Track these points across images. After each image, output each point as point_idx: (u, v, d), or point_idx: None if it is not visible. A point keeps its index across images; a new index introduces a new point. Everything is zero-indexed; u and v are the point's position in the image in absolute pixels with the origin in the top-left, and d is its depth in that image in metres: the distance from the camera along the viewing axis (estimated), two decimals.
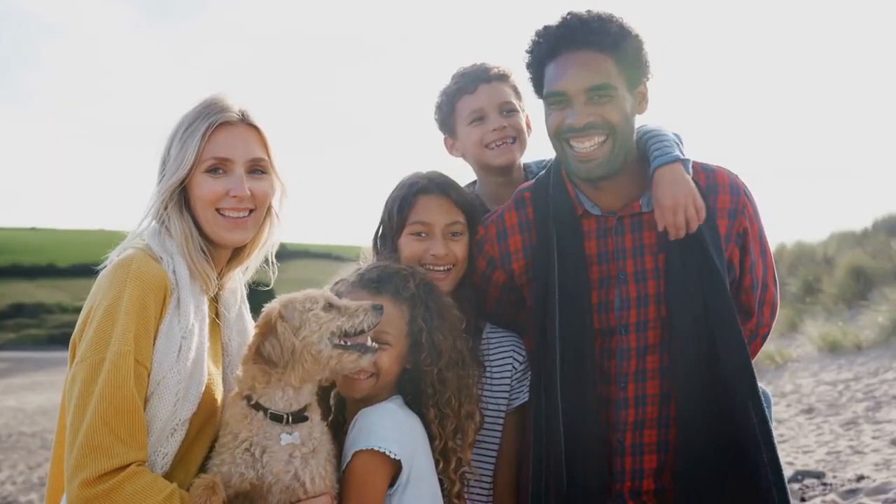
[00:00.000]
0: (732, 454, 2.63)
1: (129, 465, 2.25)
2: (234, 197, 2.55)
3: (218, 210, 2.57)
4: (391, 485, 2.56)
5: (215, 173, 2.55)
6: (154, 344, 2.38)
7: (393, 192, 3.04)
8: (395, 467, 2.55)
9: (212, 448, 2.54)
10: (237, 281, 2.79)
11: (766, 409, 2.76)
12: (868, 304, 13.52)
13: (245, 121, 2.60)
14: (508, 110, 3.30)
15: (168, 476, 2.37)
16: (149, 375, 2.37)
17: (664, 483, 2.76)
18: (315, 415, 2.57)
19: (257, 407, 2.49)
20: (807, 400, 10.27)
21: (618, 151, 2.70)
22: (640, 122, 2.86)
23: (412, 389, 2.76)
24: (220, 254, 2.66)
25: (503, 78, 3.32)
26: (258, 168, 2.62)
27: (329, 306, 2.55)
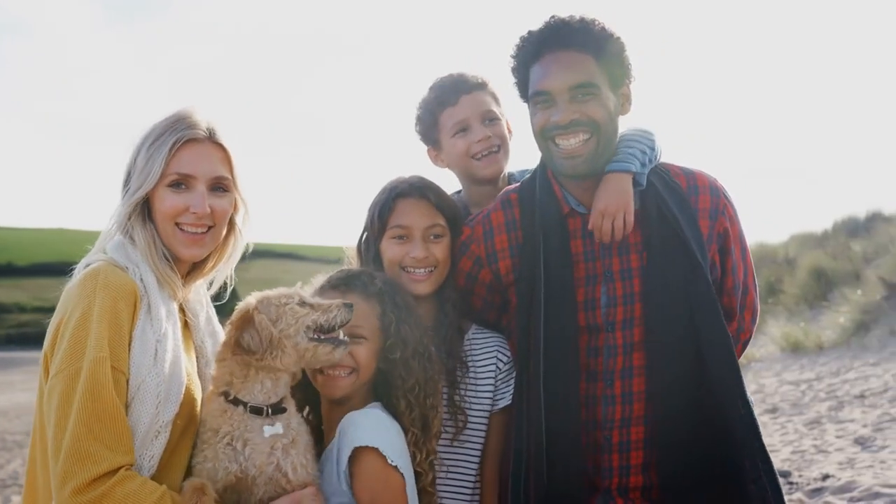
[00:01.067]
0: (718, 450, 2.66)
1: (118, 469, 2.27)
2: (194, 213, 2.59)
3: (178, 224, 2.60)
4: None
5: (177, 188, 2.59)
6: (129, 350, 2.40)
7: (375, 196, 3.09)
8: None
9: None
10: (202, 293, 2.83)
11: None
12: (829, 305, 13.74)
13: (212, 139, 2.64)
14: (491, 119, 3.32)
15: (156, 478, 2.40)
16: (127, 381, 2.38)
17: (651, 479, 2.78)
18: (291, 406, 2.62)
19: (236, 402, 2.53)
20: (771, 400, 10.39)
21: (602, 149, 2.76)
22: (624, 123, 2.90)
23: (385, 392, 2.79)
24: (180, 265, 2.68)
25: (482, 87, 3.34)
26: (220, 186, 2.65)
27: (303, 303, 2.61)
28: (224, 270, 2.82)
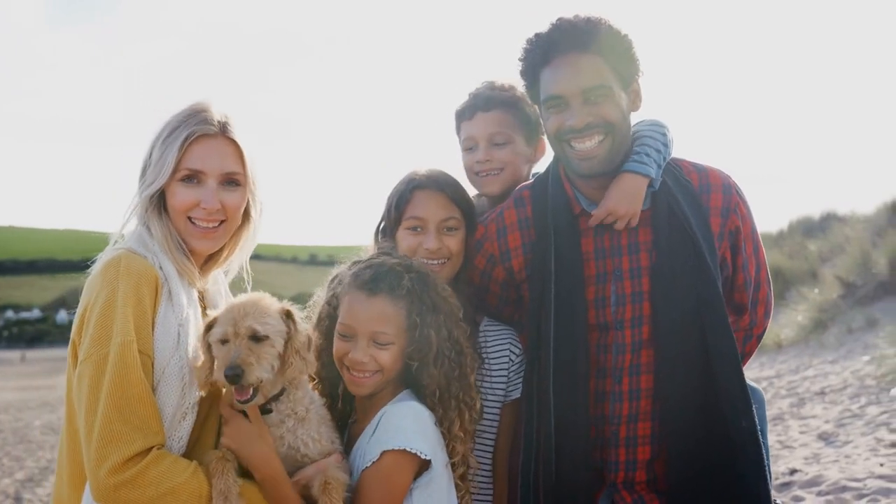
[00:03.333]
0: (721, 447, 2.71)
1: (150, 449, 2.34)
2: (204, 209, 2.62)
3: (189, 219, 2.64)
4: (413, 478, 2.63)
5: (189, 182, 2.62)
6: (153, 334, 2.45)
7: (394, 187, 3.13)
8: (421, 464, 2.62)
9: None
10: (220, 282, 2.87)
11: (757, 406, 2.86)
12: (787, 304, 13.98)
13: (224, 134, 2.65)
14: (498, 142, 3.30)
15: (186, 457, 2.47)
16: (152, 364, 2.43)
17: (657, 474, 2.83)
18: (302, 387, 2.69)
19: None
20: None
21: (617, 148, 2.80)
22: (635, 118, 2.93)
23: (414, 381, 2.81)
24: (196, 255, 2.71)
25: (504, 105, 3.30)
26: (232, 180, 2.67)
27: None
28: (237, 260, 2.85)
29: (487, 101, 3.33)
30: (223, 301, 2.82)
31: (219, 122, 2.64)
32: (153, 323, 2.45)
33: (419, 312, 2.74)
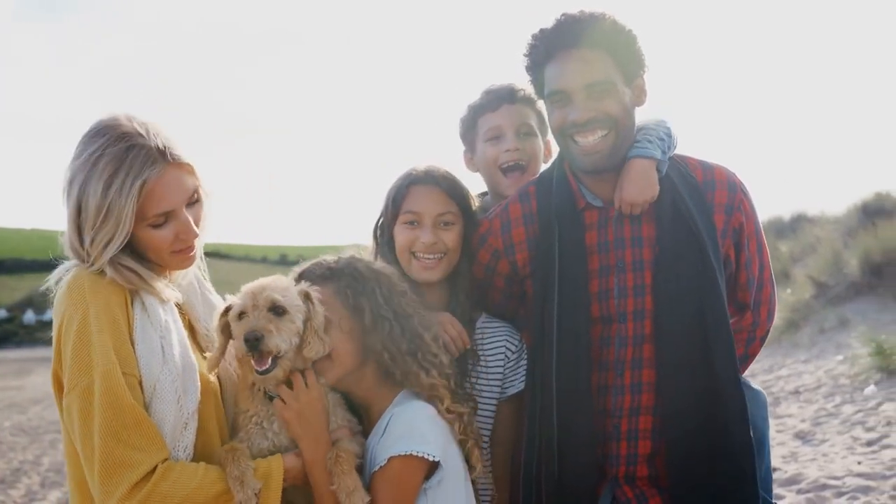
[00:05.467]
0: (720, 442, 2.74)
1: (155, 467, 2.28)
2: (183, 239, 2.52)
3: (172, 251, 2.53)
4: (425, 479, 2.63)
5: (159, 224, 2.47)
6: (135, 351, 2.37)
7: (392, 182, 3.14)
8: (432, 466, 2.62)
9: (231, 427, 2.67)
10: (191, 273, 2.74)
11: (760, 408, 2.94)
12: None
13: (173, 161, 2.45)
14: (526, 133, 3.35)
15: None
16: (140, 383, 2.36)
17: (657, 468, 2.85)
18: (310, 375, 2.66)
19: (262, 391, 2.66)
20: None
21: (620, 143, 2.81)
22: (640, 114, 2.93)
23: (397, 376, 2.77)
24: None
25: (529, 102, 3.36)
26: (195, 200, 2.56)
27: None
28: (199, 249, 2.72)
29: (512, 94, 3.36)
30: (197, 294, 2.74)
31: (158, 150, 2.41)
32: (132, 341, 2.37)
33: (348, 285, 2.73)
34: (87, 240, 2.39)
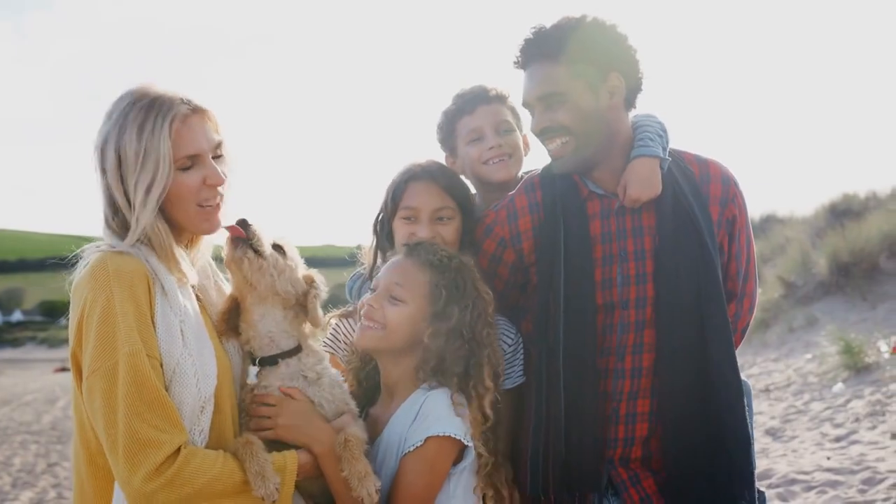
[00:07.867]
0: (713, 425, 2.85)
1: (179, 448, 2.31)
2: (210, 185, 2.52)
3: (198, 203, 2.53)
4: (454, 464, 2.70)
5: (186, 169, 2.49)
6: (156, 335, 2.39)
7: (391, 178, 3.20)
8: (459, 453, 2.69)
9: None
10: (203, 259, 2.79)
11: (748, 398, 3.02)
12: None
13: (197, 109, 2.51)
14: (505, 129, 3.41)
15: (210, 447, 2.45)
16: (161, 365, 2.39)
17: (651, 450, 2.94)
18: (313, 354, 2.73)
19: (248, 357, 2.71)
20: None
21: (583, 147, 2.91)
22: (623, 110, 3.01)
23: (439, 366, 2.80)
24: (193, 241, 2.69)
25: (501, 99, 3.44)
26: (220, 156, 2.58)
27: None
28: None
29: (485, 94, 3.44)
30: (210, 281, 2.77)
31: (182, 99, 2.48)
32: (154, 324, 2.39)
33: (448, 287, 2.78)
34: (132, 187, 2.41)
